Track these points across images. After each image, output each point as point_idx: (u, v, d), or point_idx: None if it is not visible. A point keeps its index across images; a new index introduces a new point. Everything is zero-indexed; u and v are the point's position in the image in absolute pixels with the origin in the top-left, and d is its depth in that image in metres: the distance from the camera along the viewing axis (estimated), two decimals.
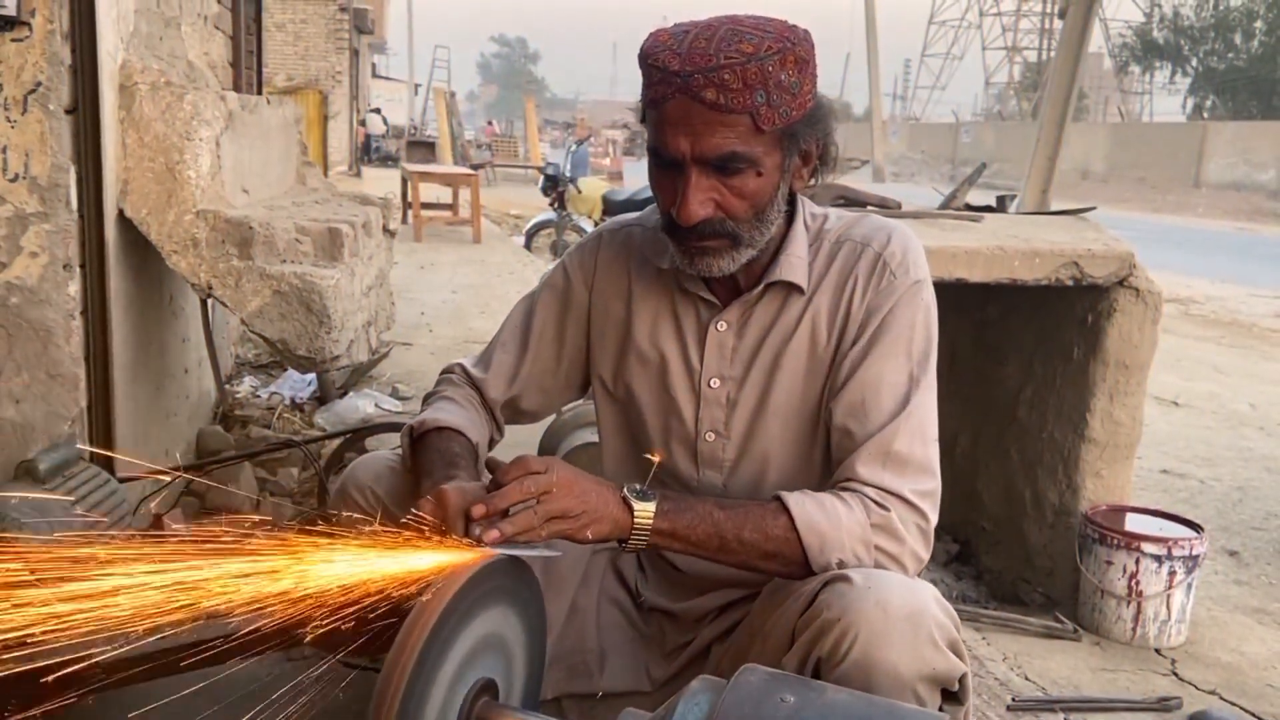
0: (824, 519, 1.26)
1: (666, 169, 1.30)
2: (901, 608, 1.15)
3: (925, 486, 1.31)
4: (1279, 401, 5.74)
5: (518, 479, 1.21)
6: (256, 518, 1.22)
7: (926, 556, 1.32)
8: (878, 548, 1.27)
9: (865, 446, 1.31)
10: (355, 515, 1.43)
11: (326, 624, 1.13)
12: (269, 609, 1.12)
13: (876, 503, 1.28)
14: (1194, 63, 36.99)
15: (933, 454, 1.33)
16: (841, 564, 1.26)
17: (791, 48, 1.24)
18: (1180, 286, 9.91)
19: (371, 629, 1.17)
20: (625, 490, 1.26)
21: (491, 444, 1.57)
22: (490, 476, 1.28)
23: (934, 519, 1.32)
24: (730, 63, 1.21)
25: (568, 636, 1.52)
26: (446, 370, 1.62)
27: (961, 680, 1.20)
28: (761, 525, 1.27)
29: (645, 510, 1.25)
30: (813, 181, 1.39)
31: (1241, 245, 16.27)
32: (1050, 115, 11.41)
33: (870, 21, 29.87)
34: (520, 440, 2.47)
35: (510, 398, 1.58)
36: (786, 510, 1.27)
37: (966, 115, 50.84)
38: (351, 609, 1.14)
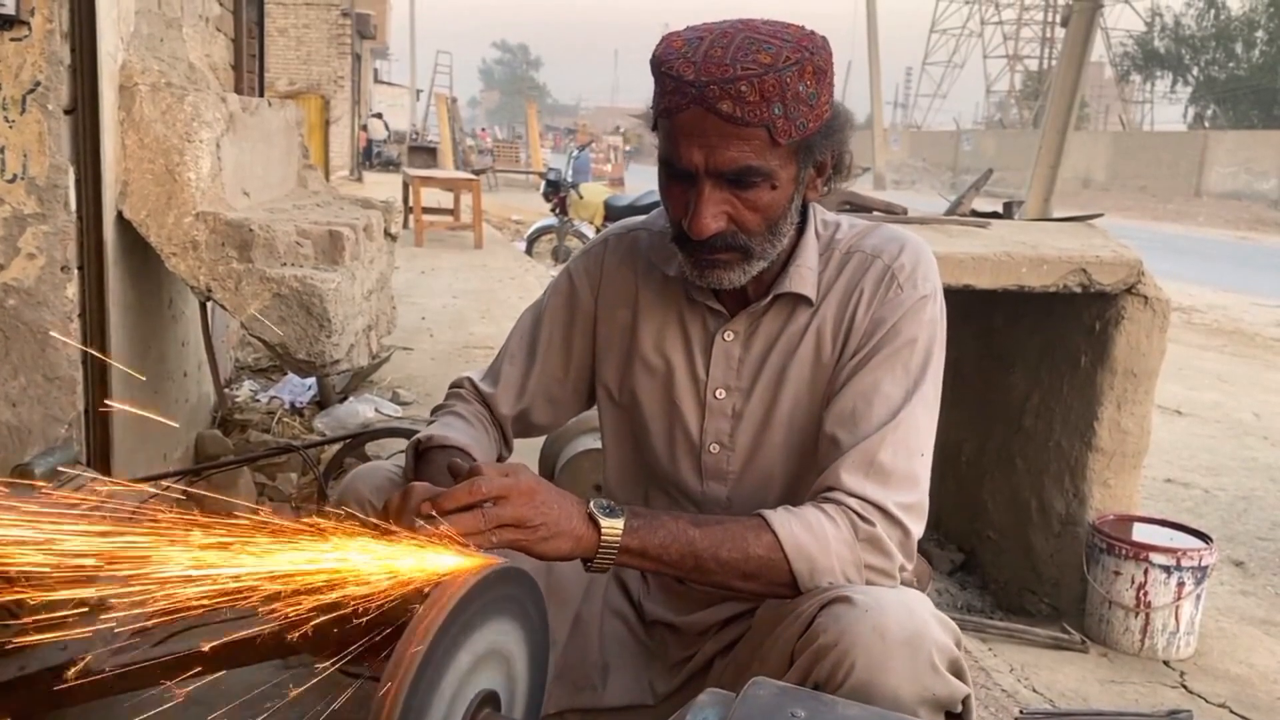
0: (812, 541, 1.22)
1: (678, 179, 1.27)
2: (899, 632, 1.11)
3: (908, 499, 1.27)
4: None
5: (471, 479, 1.15)
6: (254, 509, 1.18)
7: (911, 567, 1.29)
8: (868, 565, 1.24)
9: (849, 455, 1.27)
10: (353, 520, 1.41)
11: (316, 623, 1.10)
12: (255, 597, 1.09)
13: (860, 516, 1.24)
14: (1195, 72, 37.08)
15: (919, 467, 1.29)
16: (832, 585, 1.22)
17: (810, 57, 1.21)
18: (1183, 295, 9.89)
19: (369, 634, 1.14)
20: (592, 505, 1.20)
21: (500, 460, 1.54)
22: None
23: (917, 532, 1.28)
24: (747, 74, 1.17)
25: (572, 650, 1.50)
26: (455, 384, 1.59)
27: (964, 701, 1.17)
28: (742, 545, 1.23)
29: (613, 527, 1.19)
30: (826, 190, 1.36)
31: (1243, 254, 16.26)
32: (1052, 124, 11.43)
33: (872, 30, 29.91)
34: (522, 446, 2.45)
35: (520, 411, 1.55)
36: (770, 530, 1.23)
37: (967, 123, 50.90)
38: (345, 610, 1.10)
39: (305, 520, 1.14)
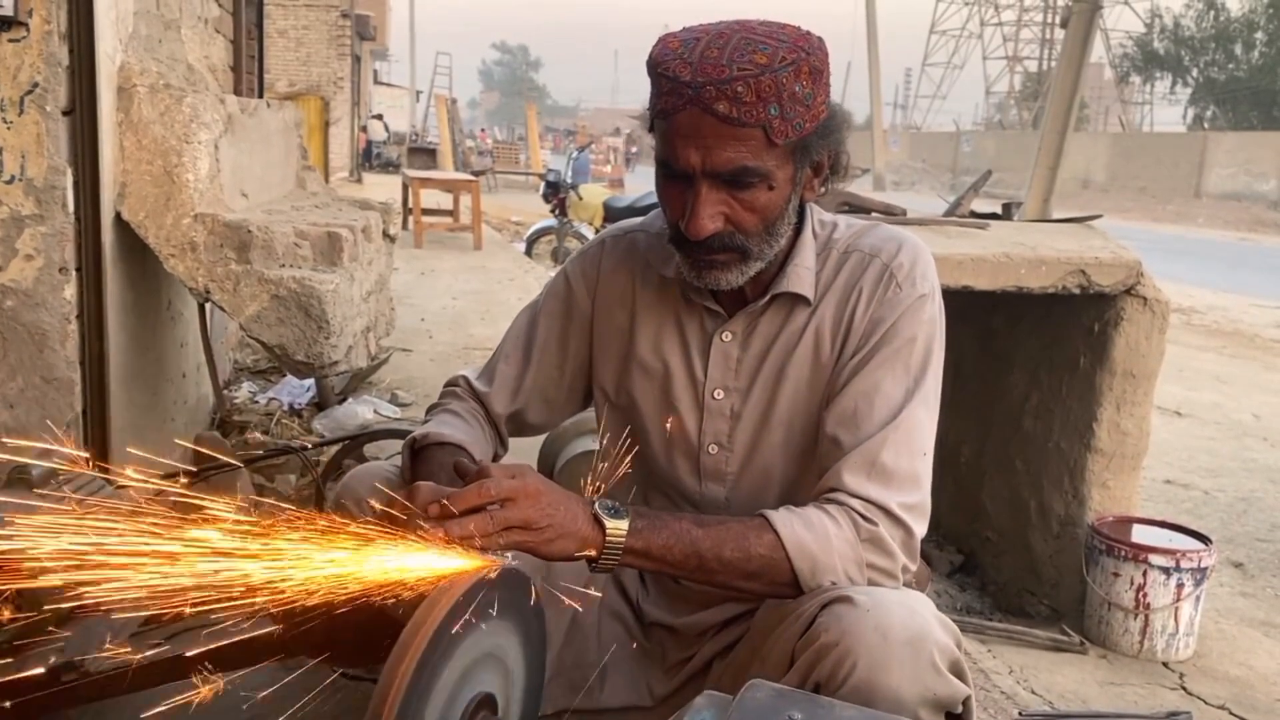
0: (813, 540, 1.23)
1: (675, 180, 1.27)
2: (902, 632, 1.12)
3: (911, 499, 1.27)
4: None
5: (479, 481, 1.16)
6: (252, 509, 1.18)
7: (914, 568, 1.29)
8: (870, 565, 1.24)
9: (851, 456, 1.27)
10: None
11: (313, 621, 1.10)
12: (252, 598, 1.09)
13: (863, 516, 1.25)
14: (1194, 73, 37.08)
15: (921, 467, 1.30)
16: (834, 584, 1.22)
17: (805, 58, 1.21)
18: (1182, 296, 9.89)
19: (367, 635, 1.14)
20: (597, 506, 1.21)
21: (495, 459, 1.54)
22: None
23: (920, 532, 1.29)
24: (743, 74, 1.18)
25: (568, 650, 1.49)
26: (450, 383, 1.59)
27: (965, 703, 1.17)
28: (744, 544, 1.23)
29: (618, 528, 1.20)
30: (823, 190, 1.36)
31: (1242, 255, 16.26)
32: (1051, 125, 11.43)
33: (871, 31, 29.91)
34: (521, 448, 2.45)
35: (514, 411, 1.55)
36: (772, 529, 1.23)
37: (967, 124, 50.89)
38: (340, 608, 1.10)
39: (307, 521, 1.14)
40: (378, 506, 1.40)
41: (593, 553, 1.20)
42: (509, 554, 1.17)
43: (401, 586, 1.11)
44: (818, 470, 1.34)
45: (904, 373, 1.31)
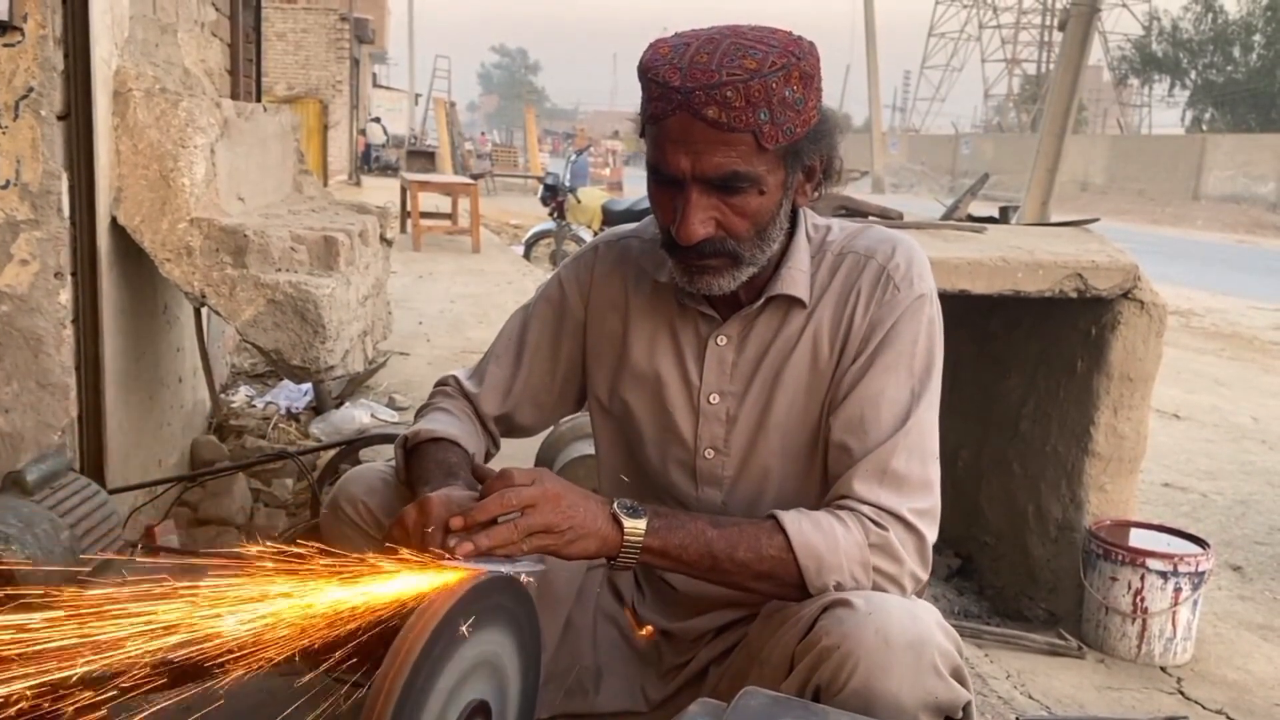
0: (821, 540, 1.23)
1: (666, 186, 1.27)
2: (902, 635, 1.12)
3: (923, 505, 1.27)
4: None
5: (500, 491, 1.17)
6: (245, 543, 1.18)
7: (925, 576, 1.29)
8: (876, 569, 1.24)
9: (862, 463, 1.27)
10: (346, 529, 1.41)
11: (314, 645, 1.10)
12: (255, 634, 1.09)
13: (874, 522, 1.25)
14: (1193, 76, 37.12)
15: (932, 472, 1.30)
16: (839, 586, 1.23)
17: (796, 63, 1.21)
18: (1180, 299, 9.89)
19: (360, 642, 1.14)
20: (615, 506, 1.22)
21: (488, 458, 1.54)
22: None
23: (932, 537, 1.29)
24: (733, 79, 1.17)
25: (563, 654, 1.49)
26: (441, 383, 1.59)
27: (965, 708, 1.17)
28: (756, 545, 1.24)
29: (636, 528, 1.21)
30: (816, 195, 1.36)
31: (1241, 258, 16.27)
32: (1050, 127, 11.42)
33: (870, 33, 29.93)
34: (518, 451, 2.44)
35: (504, 413, 1.55)
36: (782, 530, 1.24)
37: (966, 127, 50.92)
38: (340, 629, 1.11)
39: (312, 555, 1.15)
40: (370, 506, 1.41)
41: (612, 551, 1.22)
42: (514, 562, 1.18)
43: (404, 599, 1.12)
44: (825, 477, 1.34)
45: (908, 376, 1.31)
